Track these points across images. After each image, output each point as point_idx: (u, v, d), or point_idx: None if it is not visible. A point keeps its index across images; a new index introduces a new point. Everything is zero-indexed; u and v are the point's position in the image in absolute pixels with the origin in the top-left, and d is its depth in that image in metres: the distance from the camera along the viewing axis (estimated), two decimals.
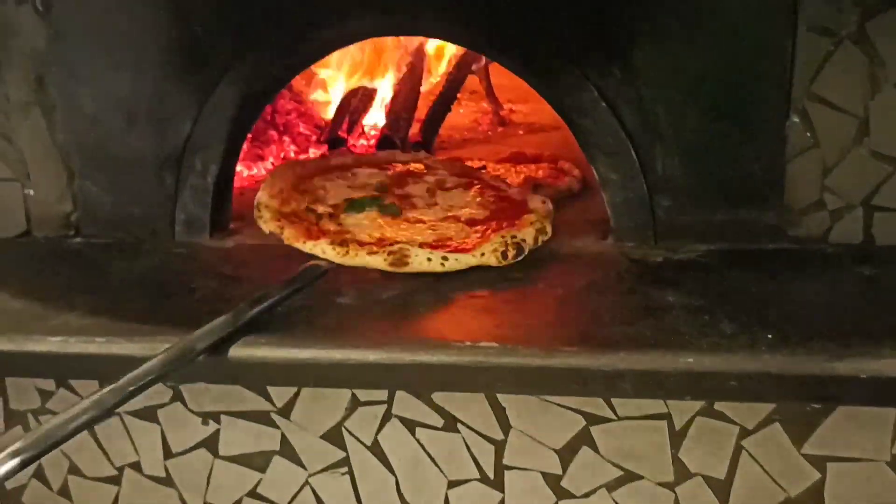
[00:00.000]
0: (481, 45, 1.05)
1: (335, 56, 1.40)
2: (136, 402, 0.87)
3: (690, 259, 0.93)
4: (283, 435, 0.95)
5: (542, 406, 0.90)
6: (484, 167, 1.26)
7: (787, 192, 0.94)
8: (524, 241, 0.94)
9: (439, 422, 0.92)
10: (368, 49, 1.49)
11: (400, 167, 1.17)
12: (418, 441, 0.93)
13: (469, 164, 1.23)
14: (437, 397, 0.91)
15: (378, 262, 0.92)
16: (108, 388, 0.67)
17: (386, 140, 1.38)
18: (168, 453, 0.98)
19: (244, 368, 0.78)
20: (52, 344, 0.81)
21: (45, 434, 0.62)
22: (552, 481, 0.92)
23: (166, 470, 0.99)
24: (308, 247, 0.96)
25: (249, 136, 1.13)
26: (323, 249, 0.94)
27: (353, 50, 1.46)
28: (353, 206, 1.05)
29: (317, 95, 1.50)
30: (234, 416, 0.96)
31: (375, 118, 1.51)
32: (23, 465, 0.60)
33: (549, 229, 0.98)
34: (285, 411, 0.95)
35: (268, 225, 1.01)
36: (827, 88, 0.92)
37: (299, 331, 0.80)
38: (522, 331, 0.79)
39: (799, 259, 0.92)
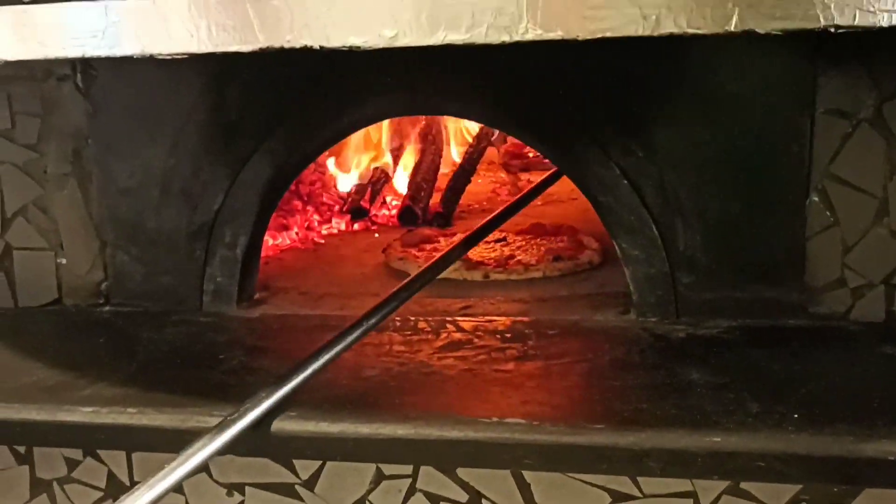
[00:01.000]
0: (506, 123, 1.07)
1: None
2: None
3: (713, 335, 0.94)
4: None
5: (567, 482, 0.89)
6: (504, 238, 1.29)
7: (807, 269, 0.95)
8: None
9: (463, 497, 0.92)
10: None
11: None
12: None
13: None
14: (462, 472, 0.91)
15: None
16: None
17: (408, 211, 1.41)
18: None
19: (275, 442, 0.78)
20: (83, 414, 0.82)
21: None
22: None
23: None
24: None
25: None
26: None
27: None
28: None
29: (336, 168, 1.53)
30: (259, 487, 0.96)
31: (397, 187, 1.54)
32: None
33: None
34: (310, 484, 0.94)
35: None
36: (846, 169, 0.93)
37: (328, 404, 0.80)
38: (549, 407, 0.80)
39: (821, 337, 0.93)
